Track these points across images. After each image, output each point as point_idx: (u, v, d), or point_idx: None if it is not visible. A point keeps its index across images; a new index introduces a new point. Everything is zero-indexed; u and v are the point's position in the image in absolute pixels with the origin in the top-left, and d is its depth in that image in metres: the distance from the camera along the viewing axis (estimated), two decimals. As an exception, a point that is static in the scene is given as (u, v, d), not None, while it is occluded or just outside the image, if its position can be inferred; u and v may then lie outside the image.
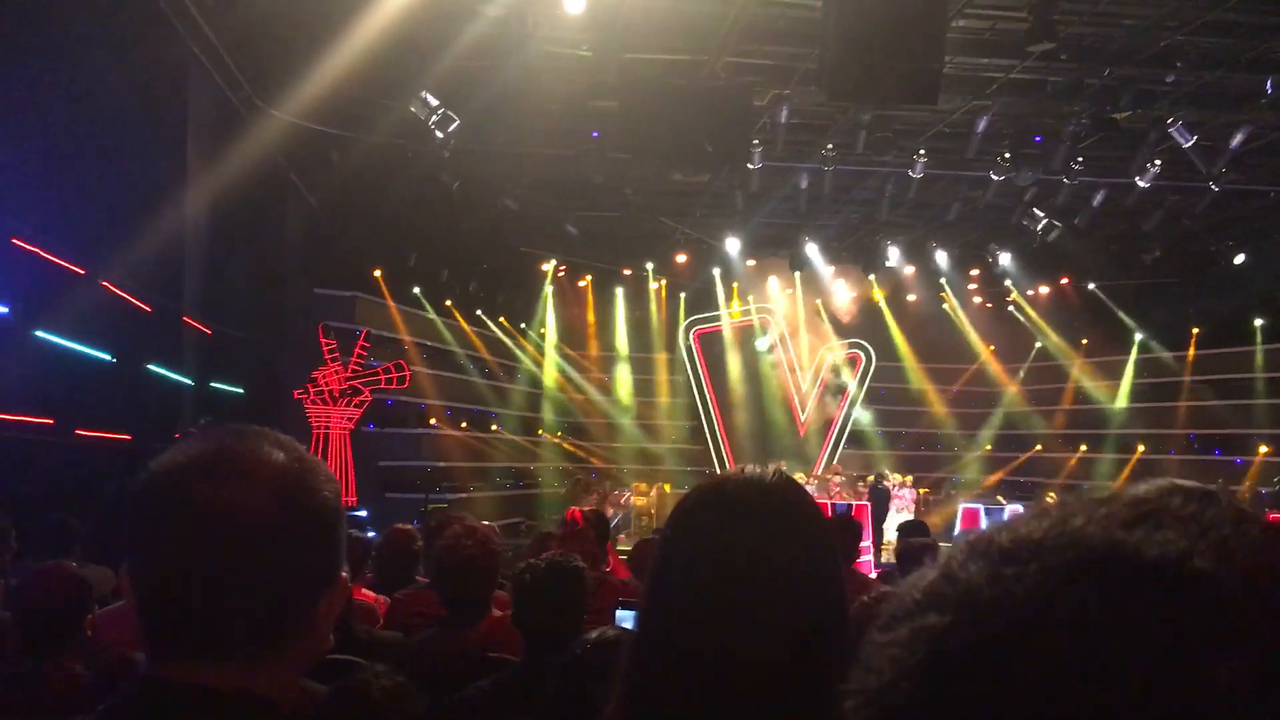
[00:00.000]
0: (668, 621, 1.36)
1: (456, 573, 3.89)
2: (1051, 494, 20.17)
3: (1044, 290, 23.14)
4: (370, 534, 12.40)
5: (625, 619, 3.79)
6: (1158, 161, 14.58)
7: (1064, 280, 22.67)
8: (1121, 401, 22.87)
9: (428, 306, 19.87)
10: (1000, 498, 20.77)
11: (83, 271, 8.64)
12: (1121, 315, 22.50)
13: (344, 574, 1.32)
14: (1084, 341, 23.44)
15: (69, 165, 8.29)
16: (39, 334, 8.06)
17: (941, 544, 8.43)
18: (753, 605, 1.30)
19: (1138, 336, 22.56)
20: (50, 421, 8.08)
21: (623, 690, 1.45)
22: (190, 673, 1.20)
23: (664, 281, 23.80)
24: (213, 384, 12.53)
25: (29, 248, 7.76)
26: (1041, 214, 17.59)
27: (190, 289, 11.84)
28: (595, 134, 14.75)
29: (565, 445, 24.30)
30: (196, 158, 11.62)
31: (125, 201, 9.37)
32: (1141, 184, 15.06)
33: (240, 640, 1.21)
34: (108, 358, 9.36)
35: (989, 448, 25.20)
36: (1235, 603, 0.50)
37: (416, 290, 19.53)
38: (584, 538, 5.25)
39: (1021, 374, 24.77)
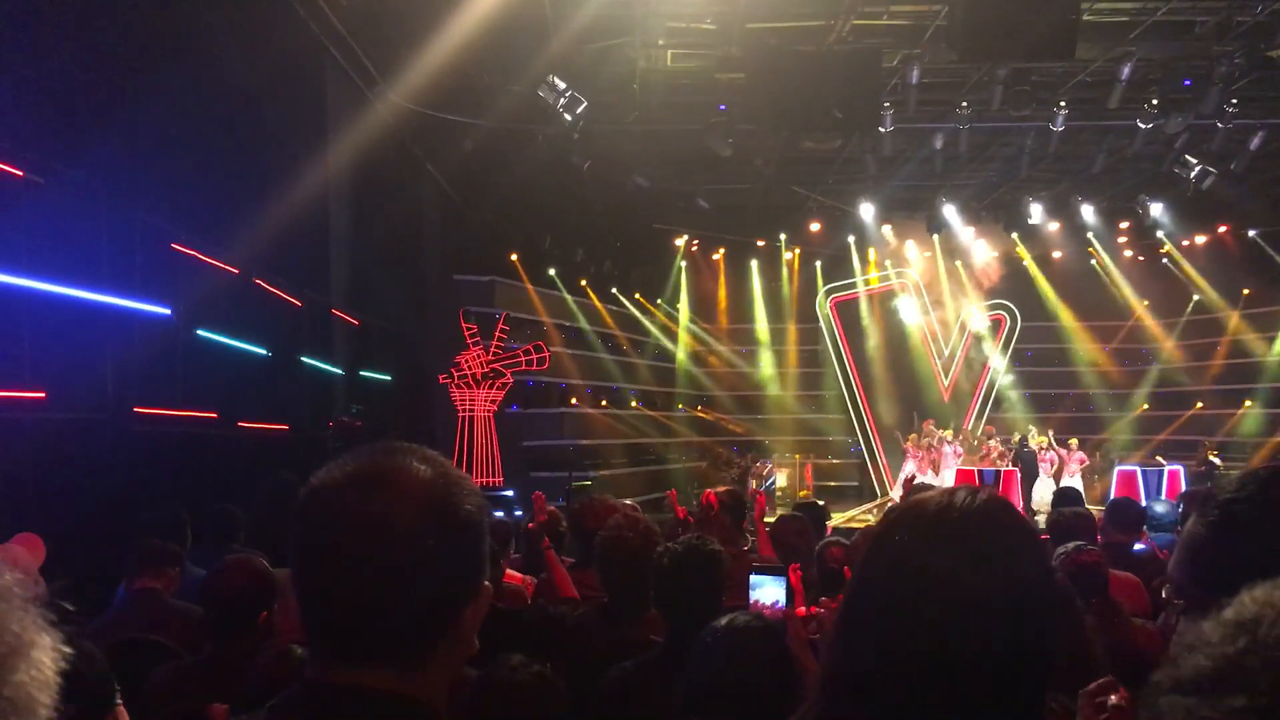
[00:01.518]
0: (864, 632, 1.35)
1: (620, 565, 3.93)
2: (1214, 452, 19.30)
3: (1200, 240, 22.01)
4: (518, 514, 12.71)
5: (758, 585, 3.81)
6: (1321, 99, 13.74)
7: (1222, 229, 21.53)
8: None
9: (563, 287, 20.15)
10: (1160, 458, 19.92)
11: (237, 271, 9.05)
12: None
13: (487, 584, 1.39)
14: (1245, 292, 22.25)
15: (219, 169, 8.68)
16: (200, 333, 8.48)
17: (1094, 509, 8.17)
18: (944, 627, 1.28)
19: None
20: (214, 415, 8.51)
21: (823, 691, 1.44)
22: (350, 675, 1.29)
23: (798, 251, 23.57)
24: (362, 373, 12.98)
25: (187, 251, 8.17)
26: (1195, 161, 16.74)
27: (337, 281, 12.28)
28: (722, 107, 14.68)
29: (704, 415, 24.37)
30: (336, 153, 12.02)
31: (273, 200, 9.77)
32: (1303, 123, 14.22)
33: (393, 646, 1.29)
34: (264, 352, 9.79)
35: (1145, 407, 24.23)
36: None
37: (552, 271, 19.82)
38: (719, 521, 5.27)
39: (1178, 328, 23.71)
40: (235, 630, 3.38)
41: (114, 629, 3.98)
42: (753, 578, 3.64)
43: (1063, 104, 14.51)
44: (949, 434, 21.04)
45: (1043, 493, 17.91)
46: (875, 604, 1.35)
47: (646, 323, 23.12)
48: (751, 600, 3.53)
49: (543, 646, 3.44)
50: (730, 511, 5.46)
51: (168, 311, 7.78)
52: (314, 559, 1.32)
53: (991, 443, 20.11)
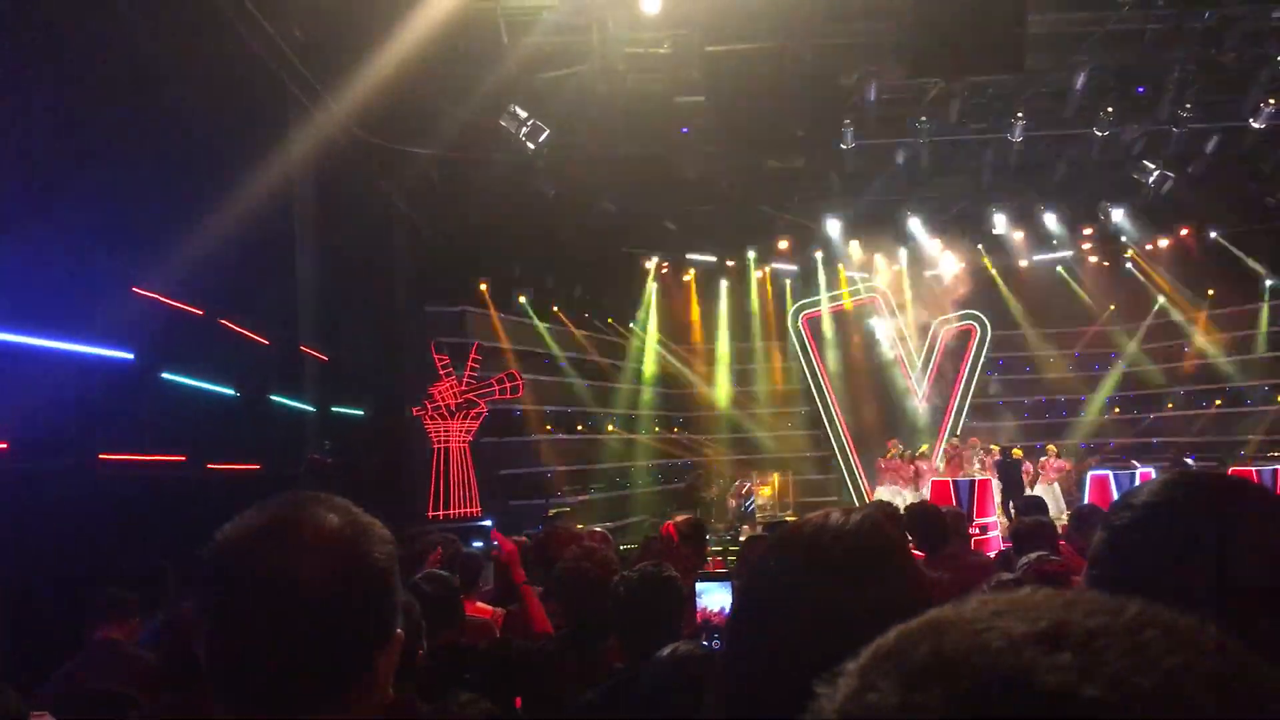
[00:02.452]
0: (745, 657, 1.37)
1: (579, 595, 3.94)
2: (1187, 457, 19.47)
3: (1163, 244, 22.26)
4: (496, 544, 12.67)
5: (704, 592, 3.83)
6: (1272, 101, 13.95)
7: (1184, 231, 21.78)
8: (1259, 350, 21.91)
9: (534, 314, 20.16)
10: (1134, 461, 20.06)
11: (200, 312, 9.02)
12: (1249, 262, 21.52)
13: (399, 631, 1.39)
14: (1210, 293, 22.51)
15: (179, 211, 8.66)
16: (165, 376, 8.44)
17: (1066, 513, 8.23)
18: (822, 650, 1.30)
19: (1268, 283, 21.56)
20: (183, 458, 8.47)
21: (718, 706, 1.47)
22: None
23: (767, 269, 23.68)
24: (333, 409, 12.92)
25: (148, 294, 8.15)
26: (1153, 165, 16.95)
27: (305, 318, 12.24)
28: (684, 130, 14.79)
29: (677, 436, 24.39)
30: (299, 188, 12.01)
31: (235, 239, 9.75)
32: (1256, 125, 14.44)
33: (301, 697, 1.29)
34: (232, 392, 9.75)
35: (1116, 410, 24.42)
36: None
37: (523, 299, 19.83)
38: (679, 552, 5.26)
39: (1145, 331, 23.94)
40: (192, 679, 3.36)
41: (72, 680, 3.95)
42: (698, 585, 3.67)
43: (1020, 115, 14.69)
44: (925, 448, 21.12)
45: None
46: (755, 623, 1.37)
47: (621, 346, 23.15)
48: (699, 608, 3.55)
49: (506, 680, 3.44)
50: (691, 541, 5.47)
51: (130, 356, 7.75)
52: (219, 614, 1.32)
53: (951, 441, 20.07)
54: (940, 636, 0.58)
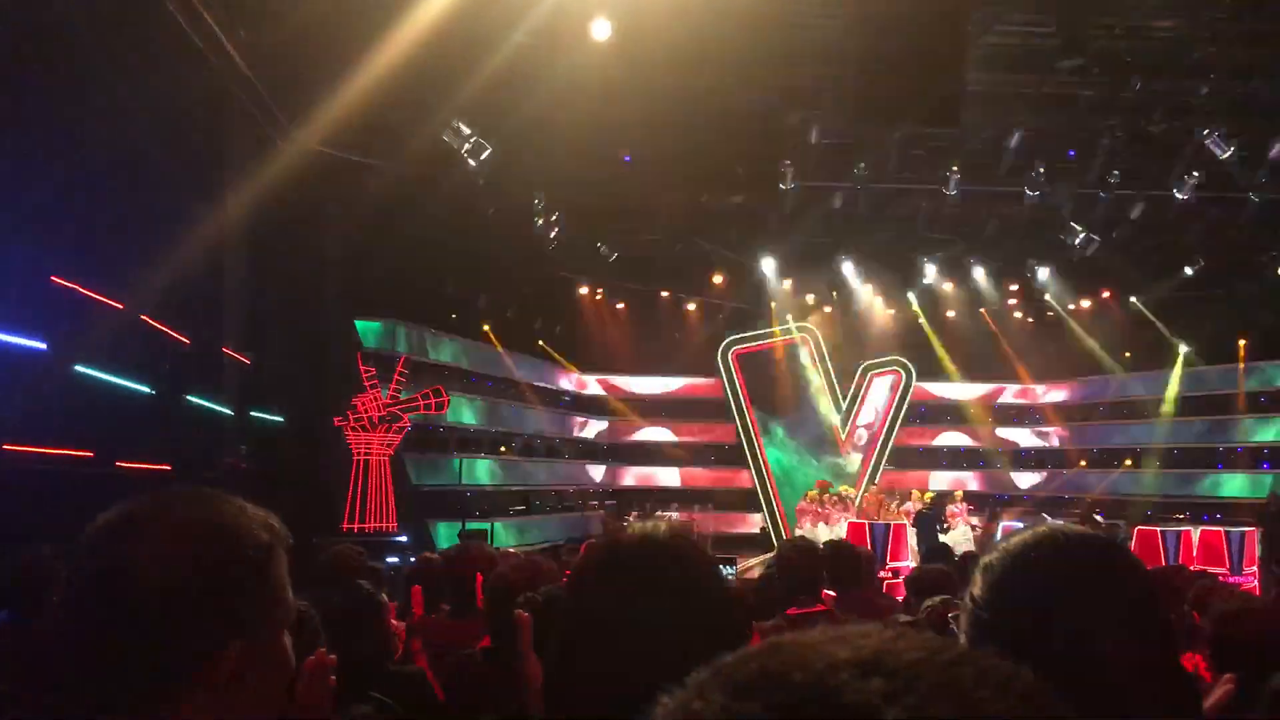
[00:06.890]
0: (570, 669, 1.40)
1: (498, 602, 3.89)
2: (1097, 510, 19.89)
3: (1085, 304, 22.86)
4: (412, 560, 12.56)
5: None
6: (1196, 173, 14.42)
7: (1105, 294, 22.39)
8: (1167, 413, 22.52)
9: (465, 332, 20.02)
10: (1045, 515, 20.43)
11: (121, 306, 8.83)
12: (1163, 328, 22.16)
13: (265, 630, 1.36)
14: (1126, 355, 23.15)
15: (106, 202, 8.51)
16: (78, 368, 8.24)
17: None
18: (642, 658, 1.32)
19: (1182, 349, 22.22)
20: (90, 454, 8.25)
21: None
22: None
23: (700, 302, 23.82)
24: (253, 413, 12.71)
25: (67, 284, 7.96)
26: (1079, 228, 17.39)
27: (229, 320, 12.05)
28: (627, 159, 14.86)
29: (604, 466, 24.39)
30: (233, 190, 11.84)
31: (163, 235, 9.58)
32: (1180, 196, 14.89)
33: (133, 692, 1.27)
34: (147, 390, 9.54)
35: (1033, 464, 24.95)
36: None
37: (454, 316, 19.70)
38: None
39: (1063, 388, 24.54)
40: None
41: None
42: None
43: (955, 169, 14.99)
44: (845, 489, 21.25)
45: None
46: (578, 641, 1.41)
47: (550, 370, 23.10)
48: None
49: (409, 699, 3.40)
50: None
51: (43, 345, 7.56)
52: (62, 604, 1.34)
53: (894, 503, 20.16)
54: (772, 656, 0.62)
